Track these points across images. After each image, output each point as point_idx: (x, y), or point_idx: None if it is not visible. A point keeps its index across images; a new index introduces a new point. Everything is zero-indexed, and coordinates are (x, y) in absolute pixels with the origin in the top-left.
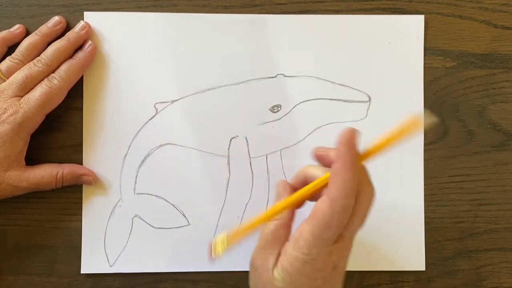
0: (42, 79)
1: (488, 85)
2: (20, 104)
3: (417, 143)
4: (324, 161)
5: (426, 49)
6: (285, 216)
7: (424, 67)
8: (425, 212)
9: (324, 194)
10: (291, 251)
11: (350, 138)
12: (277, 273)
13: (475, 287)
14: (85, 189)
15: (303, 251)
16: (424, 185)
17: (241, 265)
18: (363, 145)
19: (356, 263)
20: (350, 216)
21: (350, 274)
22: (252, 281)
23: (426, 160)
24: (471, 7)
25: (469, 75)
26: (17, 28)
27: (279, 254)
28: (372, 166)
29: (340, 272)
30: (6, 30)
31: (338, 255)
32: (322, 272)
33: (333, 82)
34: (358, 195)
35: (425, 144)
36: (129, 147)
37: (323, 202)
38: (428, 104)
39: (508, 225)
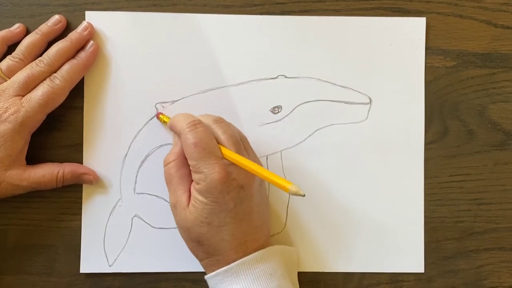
0: (44, 79)
1: (488, 85)
2: (21, 103)
3: (417, 142)
4: None
5: (426, 49)
6: (179, 156)
7: (425, 67)
8: (425, 212)
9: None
10: (194, 183)
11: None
12: (192, 206)
13: (475, 287)
14: (85, 189)
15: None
16: (424, 184)
17: None
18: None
19: (355, 264)
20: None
21: (350, 274)
22: (176, 222)
23: (426, 160)
24: (471, 7)
25: (469, 74)
26: (17, 27)
27: (189, 191)
28: (373, 166)
29: (249, 193)
30: (6, 29)
31: (236, 173)
32: (229, 193)
33: (334, 84)
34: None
35: (425, 144)
36: (130, 147)
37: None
38: (428, 104)
39: (508, 224)
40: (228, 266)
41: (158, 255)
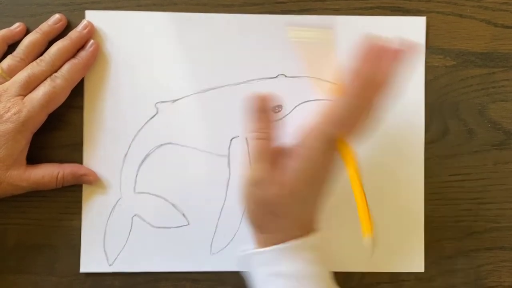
0: (45, 79)
1: (488, 84)
2: (23, 103)
3: (417, 142)
4: None
5: (426, 48)
6: (270, 131)
7: (425, 66)
8: (425, 211)
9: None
10: (291, 163)
11: None
12: (276, 188)
13: (475, 286)
14: (85, 188)
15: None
16: (425, 184)
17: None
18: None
19: (355, 263)
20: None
21: (350, 274)
22: (253, 197)
23: (426, 159)
24: (471, 6)
25: (469, 74)
26: (17, 27)
27: (279, 168)
28: (373, 165)
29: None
30: (6, 29)
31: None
32: (320, 179)
33: (334, 83)
34: None
35: (425, 143)
36: (130, 146)
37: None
38: (428, 103)
39: (508, 224)
40: (293, 241)
41: (158, 255)
